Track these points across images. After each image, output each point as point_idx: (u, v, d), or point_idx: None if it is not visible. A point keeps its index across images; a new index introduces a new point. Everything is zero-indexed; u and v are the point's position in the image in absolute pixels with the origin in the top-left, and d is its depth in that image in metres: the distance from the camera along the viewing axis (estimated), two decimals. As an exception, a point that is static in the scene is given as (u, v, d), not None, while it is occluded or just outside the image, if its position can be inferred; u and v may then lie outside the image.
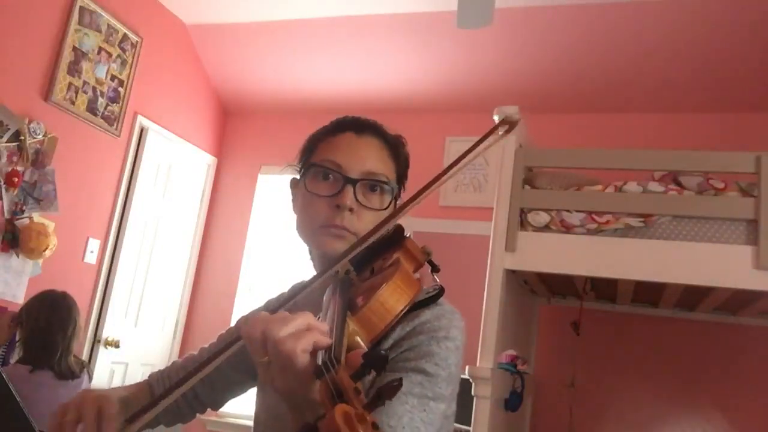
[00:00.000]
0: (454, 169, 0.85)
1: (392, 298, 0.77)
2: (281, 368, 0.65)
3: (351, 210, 0.94)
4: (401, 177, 1.04)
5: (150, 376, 1.16)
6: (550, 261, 2.61)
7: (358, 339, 0.72)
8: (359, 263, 0.89)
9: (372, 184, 0.97)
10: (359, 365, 0.60)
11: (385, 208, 0.98)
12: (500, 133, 0.86)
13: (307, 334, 0.66)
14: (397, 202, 1.02)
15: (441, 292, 0.89)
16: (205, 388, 1.13)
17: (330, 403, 0.55)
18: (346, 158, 0.97)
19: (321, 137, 1.03)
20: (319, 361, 0.62)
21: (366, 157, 0.98)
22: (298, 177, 1.05)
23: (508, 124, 0.85)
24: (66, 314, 2.51)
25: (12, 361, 2.67)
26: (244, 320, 0.95)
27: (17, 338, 2.49)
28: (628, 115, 3.78)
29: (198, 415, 1.17)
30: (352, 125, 1.02)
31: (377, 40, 3.95)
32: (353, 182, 0.95)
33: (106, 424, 0.86)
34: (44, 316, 2.46)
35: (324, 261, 0.96)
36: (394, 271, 0.80)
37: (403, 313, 0.78)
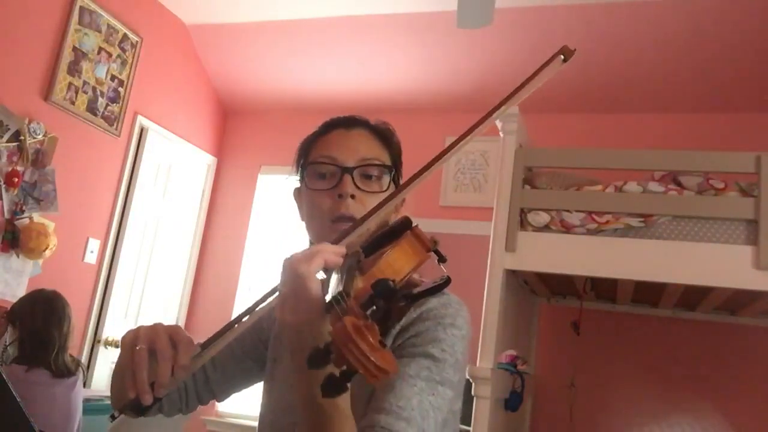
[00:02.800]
0: (510, 100, 0.83)
1: (400, 260, 0.79)
2: (295, 294, 0.70)
3: (353, 197, 0.97)
4: (396, 164, 1.06)
5: None
6: (550, 261, 2.61)
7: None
8: (368, 248, 0.91)
9: (368, 169, 1.00)
10: (368, 295, 0.62)
11: (386, 189, 1.00)
12: (560, 60, 0.85)
13: (317, 255, 0.72)
14: (398, 185, 1.04)
15: (448, 281, 0.90)
16: (216, 372, 1.13)
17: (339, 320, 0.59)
18: (339, 150, 1.00)
19: (312, 140, 1.06)
20: (330, 297, 0.65)
21: (359, 146, 1.01)
22: (299, 186, 1.08)
23: (565, 52, 0.84)
24: (61, 312, 2.54)
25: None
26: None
27: (8, 341, 2.48)
28: (628, 115, 3.78)
29: (199, 406, 1.17)
30: (340, 122, 1.06)
31: (377, 40, 3.95)
32: (350, 170, 0.98)
33: (182, 348, 0.82)
34: (40, 315, 2.48)
35: None
36: (402, 239, 0.82)
37: (410, 275, 0.79)
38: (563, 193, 2.64)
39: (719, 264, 2.37)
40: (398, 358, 0.83)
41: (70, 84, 3.47)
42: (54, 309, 2.53)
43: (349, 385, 0.58)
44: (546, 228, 2.60)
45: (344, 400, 0.74)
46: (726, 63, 3.44)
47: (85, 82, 3.56)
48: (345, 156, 0.99)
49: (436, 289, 0.89)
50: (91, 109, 3.61)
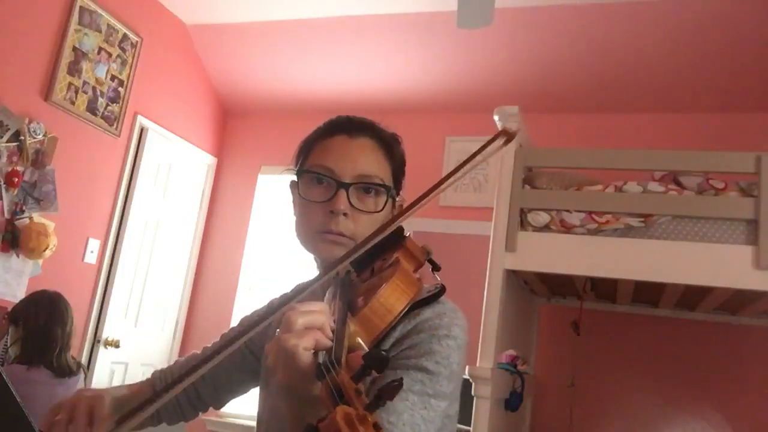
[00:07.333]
0: (451, 179, 0.86)
1: (392, 297, 0.77)
2: (285, 362, 0.66)
3: (345, 214, 0.94)
4: (397, 176, 1.04)
5: (153, 375, 1.16)
6: (550, 261, 2.61)
7: (359, 340, 0.72)
8: (359, 264, 0.90)
9: (365, 186, 0.97)
10: (360, 366, 0.60)
11: (381, 210, 0.98)
12: (500, 143, 0.86)
13: (310, 333, 0.66)
14: (396, 202, 1.02)
15: (442, 290, 0.89)
16: (207, 387, 1.13)
17: (331, 404, 0.56)
18: (338, 162, 0.97)
19: (314, 141, 1.03)
20: (320, 361, 0.62)
21: (358, 160, 0.97)
22: (296, 180, 1.06)
23: (507, 135, 0.85)
24: (64, 311, 2.56)
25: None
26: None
27: (10, 341, 2.48)
28: (628, 115, 3.78)
29: (200, 413, 1.17)
30: (345, 127, 1.02)
31: (377, 40, 3.95)
32: (346, 186, 0.95)
33: (97, 424, 0.88)
34: (43, 313, 2.50)
35: (325, 263, 0.97)
36: (393, 271, 0.81)
37: (403, 312, 0.78)
38: (563, 193, 2.64)
39: (719, 264, 2.37)
40: (392, 370, 0.83)
41: (70, 84, 3.47)
42: (56, 308, 2.55)
43: None
44: (546, 228, 2.60)
45: None
46: (726, 63, 3.44)
47: (85, 82, 3.56)
48: (343, 169, 0.96)
49: (431, 299, 0.88)
50: (91, 109, 3.61)
